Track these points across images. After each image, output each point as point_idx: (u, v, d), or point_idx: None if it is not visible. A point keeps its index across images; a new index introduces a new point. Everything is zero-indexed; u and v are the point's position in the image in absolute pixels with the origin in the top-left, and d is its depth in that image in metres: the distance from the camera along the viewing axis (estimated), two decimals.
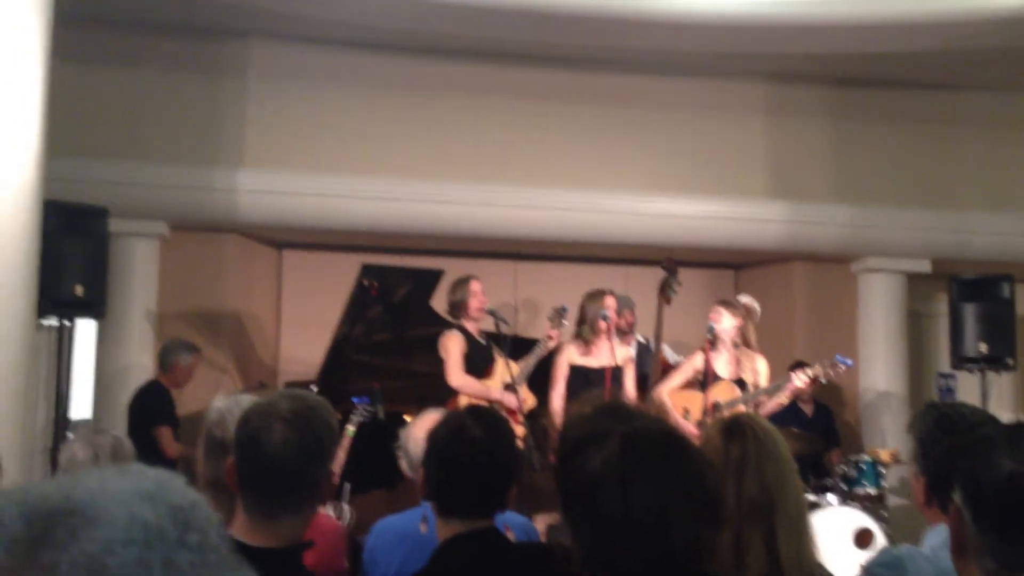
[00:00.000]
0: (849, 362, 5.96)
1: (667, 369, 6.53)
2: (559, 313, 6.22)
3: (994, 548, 1.46)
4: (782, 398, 6.05)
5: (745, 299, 6.35)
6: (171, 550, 0.70)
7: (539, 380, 6.31)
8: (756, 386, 6.02)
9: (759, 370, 6.09)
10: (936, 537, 2.28)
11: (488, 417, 2.28)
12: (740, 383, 6.01)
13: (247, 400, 2.46)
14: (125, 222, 6.74)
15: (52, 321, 6.00)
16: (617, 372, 6.14)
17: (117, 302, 6.69)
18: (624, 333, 6.82)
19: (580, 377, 6.12)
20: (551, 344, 6.23)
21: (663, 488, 1.39)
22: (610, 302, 6.21)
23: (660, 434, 1.47)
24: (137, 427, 6.15)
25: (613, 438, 1.43)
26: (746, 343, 6.08)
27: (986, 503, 1.49)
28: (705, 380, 6.01)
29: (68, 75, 6.49)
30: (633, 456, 1.41)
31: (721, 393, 5.87)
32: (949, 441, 2.29)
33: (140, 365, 6.83)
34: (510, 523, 2.72)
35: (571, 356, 6.24)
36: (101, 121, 7.03)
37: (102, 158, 6.89)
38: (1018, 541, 1.44)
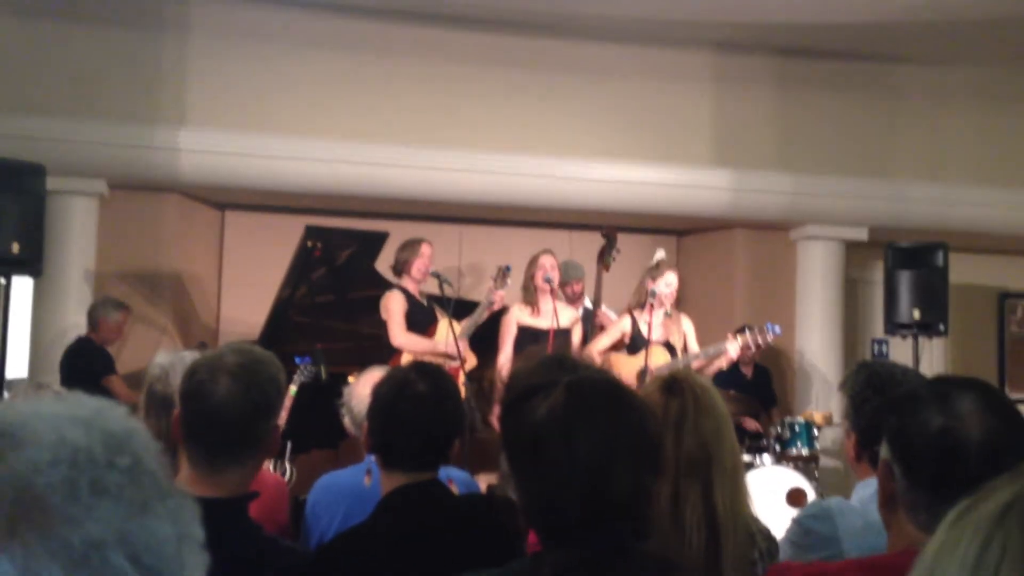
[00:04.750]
0: (778, 329, 6.12)
1: None
2: (503, 273, 6.25)
3: (927, 502, 1.52)
4: (719, 363, 6.17)
5: (663, 255, 6.45)
6: (100, 471, 0.70)
7: (487, 340, 6.36)
8: (685, 348, 6.15)
9: (686, 331, 6.22)
10: (865, 490, 2.34)
11: (432, 372, 2.31)
12: (668, 347, 6.12)
13: (189, 356, 2.46)
14: (63, 180, 6.63)
15: None
16: (562, 333, 6.19)
17: (55, 260, 6.59)
18: (572, 300, 6.87)
19: (528, 337, 6.17)
20: (495, 304, 6.26)
21: (607, 436, 1.41)
22: (545, 261, 6.26)
23: (604, 383, 1.50)
24: (74, 385, 6.08)
25: (558, 388, 1.45)
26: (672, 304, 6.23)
27: (918, 458, 1.55)
28: (634, 344, 6.12)
29: (5, 30, 6.36)
30: (578, 405, 1.43)
31: (653, 358, 5.96)
32: (880, 399, 2.35)
33: (78, 325, 6.74)
34: (453, 477, 2.76)
35: (519, 316, 6.30)
36: (39, 77, 6.88)
37: (39, 115, 6.75)
38: (950, 494, 1.49)
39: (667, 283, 6.11)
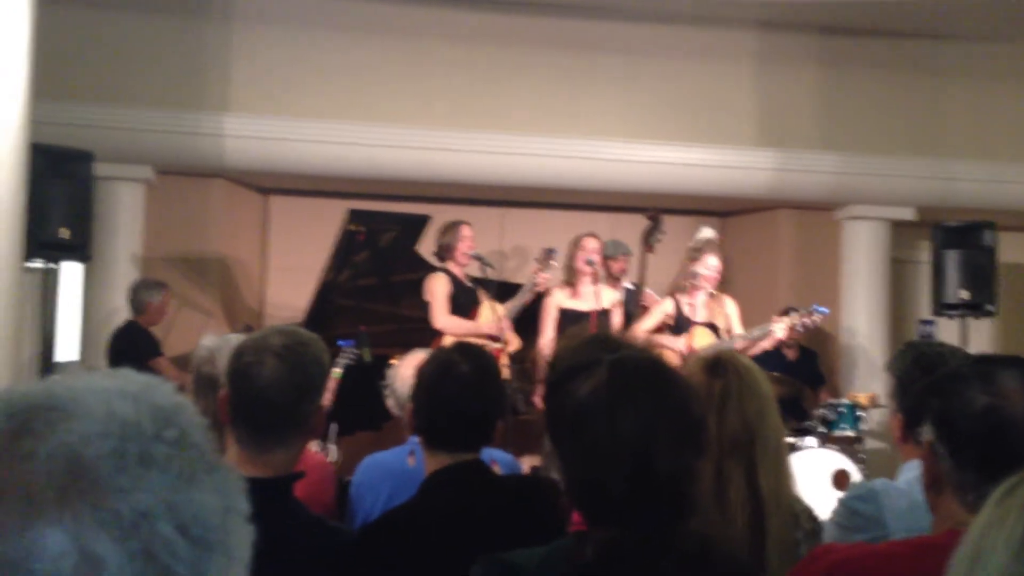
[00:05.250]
0: (825, 311, 6.08)
1: None
2: (548, 254, 6.25)
3: (974, 482, 1.51)
4: (764, 345, 6.13)
5: (709, 234, 6.41)
6: (147, 443, 0.72)
7: (531, 322, 6.37)
8: (729, 330, 6.11)
9: (729, 313, 6.18)
10: (911, 471, 2.33)
11: (475, 353, 2.32)
12: (712, 328, 6.09)
13: (236, 339, 2.49)
14: (110, 166, 6.72)
15: (38, 263, 6.01)
16: (603, 315, 6.19)
17: (103, 246, 6.71)
18: (615, 279, 6.86)
19: (569, 320, 6.18)
20: (540, 286, 6.27)
21: (649, 414, 1.41)
22: (589, 244, 6.26)
23: (647, 362, 1.51)
24: (121, 367, 6.16)
25: (601, 366, 1.45)
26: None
27: (964, 438, 1.53)
28: (678, 325, 6.10)
29: (54, 18, 6.41)
30: (621, 383, 1.43)
31: (697, 339, 5.94)
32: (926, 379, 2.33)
33: (126, 309, 6.84)
34: (496, 459, 2.77)
35: (560, 300, 6.30)
36: (86, 64, 6.97)
37: (87, 102, 6.84)
38: (998, 473, 1.48)
39: (706, 266, 6.08)
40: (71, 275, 6.83)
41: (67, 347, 6.73)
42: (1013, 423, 1.50)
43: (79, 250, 6.15)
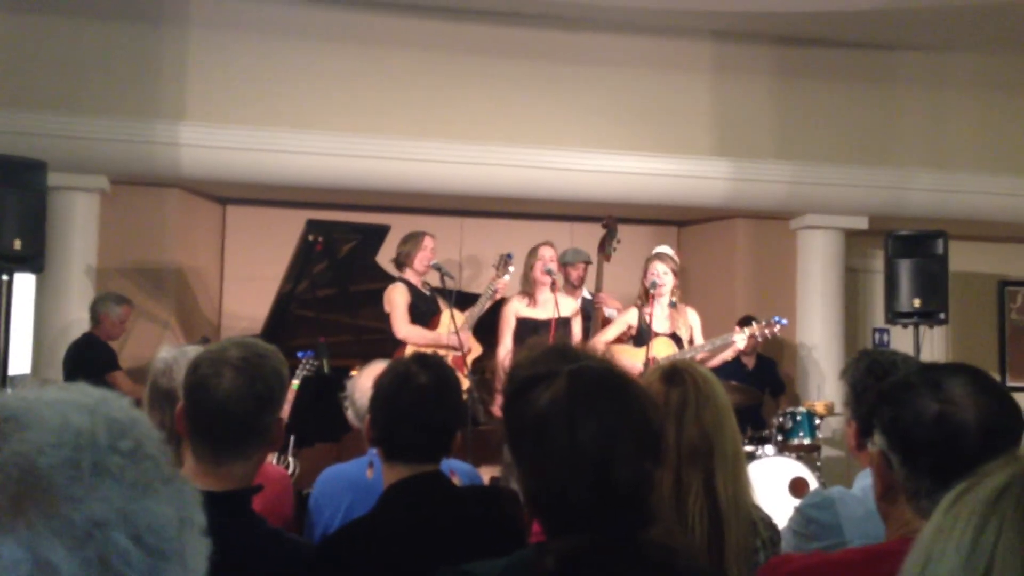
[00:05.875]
0: (785, 321, 6.14)
1: (607, 324, 6.63)
2: (504, 260, 6.26)
3: (928, 488, 1.52)
4: (725, 355, 6.18)
5: (669, 250, 6.46)
6: (101, 454, 0.72)
7: (491, 330, 6.37)
8: (691, 341, 6.16)
9: (692, 324, 6.23)
10: (866, 479, 2.35)
11: (433, 364, 2.31)
12: (675, 338, 6.12)
13: (193, 351, 2.46)
14: (65, 176, 6.65)
15: None
16: (562, 323, 6.21)
17: (57, 257, 6.61)
18: (575, 287, 6.89)
19: (527, 329, 6.19)
20: (498, 292, 6.28)
21: (609, 423, 1.41)
22: (546, 253, 6.29)
23: (606, 372, 1.50)
24: (76, 379, 6.09)
25: (560, 377, 1.45)
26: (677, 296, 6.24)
27: (918, 446, 1.55)
28: (640, 335, 6.13)
29: (5, 25, 6.35)
30: (580, 392, 1.43)
31: (658, 349, 5.97)
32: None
33: (80, 320, 6.75)
34: (456, 469, 2.77)
35: (517, 309, 6.31)
36: (40, 73, 6.89)
37: (41, 110, 6.76)
38: (952, 478, 1.49)
39: (653, 272, 6.13)
40: (24, 286, 6.74)
41: (20, 360, 6.63)
42: (965, 428, 1.52)
43: (32, 261, 6.09)
